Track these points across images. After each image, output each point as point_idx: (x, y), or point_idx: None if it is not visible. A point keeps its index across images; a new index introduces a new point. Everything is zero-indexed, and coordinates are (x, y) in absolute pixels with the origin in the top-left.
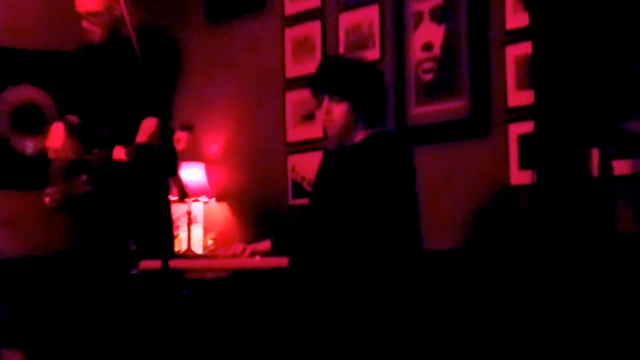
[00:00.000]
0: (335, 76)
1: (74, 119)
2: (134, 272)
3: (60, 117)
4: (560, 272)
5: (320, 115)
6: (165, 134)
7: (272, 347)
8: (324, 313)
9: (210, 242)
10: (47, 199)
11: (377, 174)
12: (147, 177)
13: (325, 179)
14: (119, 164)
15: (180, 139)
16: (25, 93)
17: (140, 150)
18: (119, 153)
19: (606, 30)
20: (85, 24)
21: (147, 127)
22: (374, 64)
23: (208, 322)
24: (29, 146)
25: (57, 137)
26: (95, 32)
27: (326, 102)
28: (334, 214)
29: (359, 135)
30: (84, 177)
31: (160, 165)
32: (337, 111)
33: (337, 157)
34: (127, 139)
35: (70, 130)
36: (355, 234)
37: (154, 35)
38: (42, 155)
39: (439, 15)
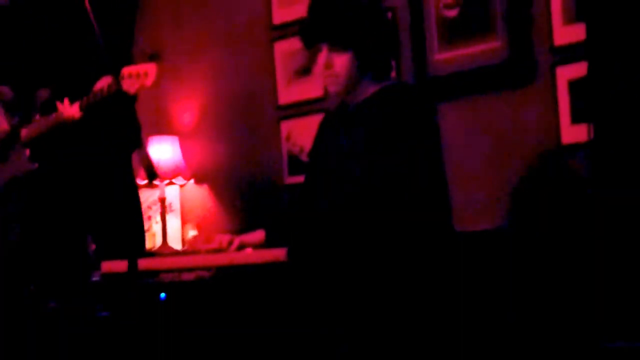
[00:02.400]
0: (334, 19)
1: (3, 89)
2: (95, 278)
3: None
4: (629, 249)
5: (318, 70)
6: (121, 97)
7: (266, 356)
8: (333, 316)
9: (191, 234)
10: None
11: (392, 137)
12: (108, 145)
13: (326, 146)
14: (69, 128)
15: (148, 72)
16: None
17: (98, 100)
18: (69, 109)
19: None
20: None
21: (103, 86)
22: (376, 1)
23: (192, 333)
24: None
25: None
26: None
27: (325, 53)
28: (340, 191)
29: (367, 91)
30: (27, 152)
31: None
32: (340, 63)
33: (340, 118)
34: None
35: (3, 98)
36: (368, 216)
37: None
38: None
39: None
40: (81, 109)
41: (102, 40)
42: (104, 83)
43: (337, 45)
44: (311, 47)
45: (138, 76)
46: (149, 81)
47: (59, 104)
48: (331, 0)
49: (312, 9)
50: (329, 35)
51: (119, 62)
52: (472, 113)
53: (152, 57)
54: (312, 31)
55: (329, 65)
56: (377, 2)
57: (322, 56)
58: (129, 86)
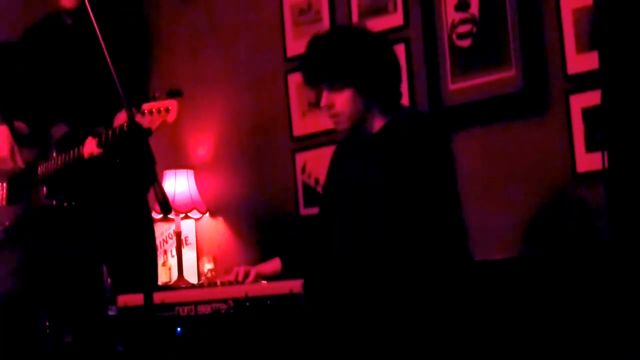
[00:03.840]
0: (328, 61)
1: (21, 125)
2: (111, 312)
3: (4, 122)
4: None
5: (323, 107)
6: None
7: None
8: (348, 349)
9: (207, 267)
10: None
11: (408, 166)
12: (124, 180)
13: (341, 176)
14: (87, 164)
15: (170, 108)
16: None
17: (118, 137)
18: (89, 146)
19: None
20: None
21: (123, 122)
22: (378, 34)
23: None
24: None
25: (2, 143)
26: None
27: (325, 93)
28: (355, 221)
29: (378, 122)
30: (44, 190)
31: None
32: (340, 101)
33: (353, 149)
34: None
35: (18, 134)
36: (383, 246)
37: (117, 10)
38: None
39: None
40: (100, 145)
41: (116, 74)
42: (122, 119)
43: (336, 84)
44: (313, 86)
45: (159, 112)
46: (171, 117)
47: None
48: (325, 40)
49: (308, 50)
50: (325, 75)
51: (135, 97)
52: (487, 142)
53: (173, 94)
54: (310, 72)
55: (330, 106)
56: (375, 35)
57: (323, 97)
58: (150, 122)
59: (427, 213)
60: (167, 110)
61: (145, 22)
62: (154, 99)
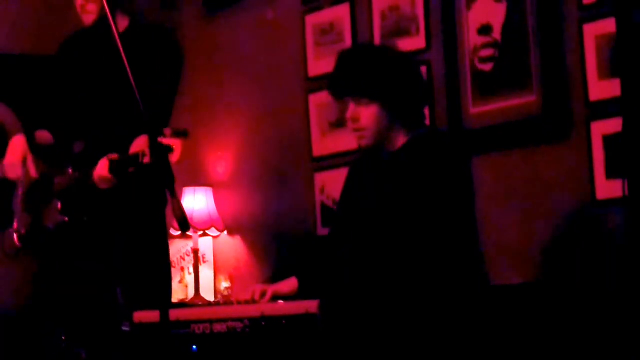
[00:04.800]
0: (357, 74)
1: (44, 134)
2: (125, 328)
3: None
4: None
5: (348, 122)
6: (158, 152)
7: None
8: None
9: (224, 285)
10: (16, 236)
11: (425, 187)
12: (138, 202)
13: (357, 194)
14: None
15: (174, 147)
16: None
17: (128, 162)
18: (102, 169)
19: None
20: (79, 1)
21: (139, 144)
22: (405, 53)
23: None
24: None
25: (15, 151)
26: (91, 11)
27: (351, 106)
28: (371, 241)
29: (400, 140)
30: (58, 204)
31: (152, 185)
32: (366, 116)
33: (372, 167)
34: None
35: (35, 145)
36: (399, 268)
37: (153, 34)
38: (6, 183)
39: None
40: (110, 170)
41: (142, 97)
42: (140, 145)
43: (363, 99)
44: (339, 100)
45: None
46: (175, 157)
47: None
48: (355, 54)
49: (337, 63)
50: (353, 89)
51: (157, 124)
52: (507, 167)
53: (179, 134)
54: (338, 85)
55: (355, 119)
56: (403, 54)
57: (349, 110)
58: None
59: (442, 237)
60: (172, 149)
61: (179, 51)
62: (162, 135)
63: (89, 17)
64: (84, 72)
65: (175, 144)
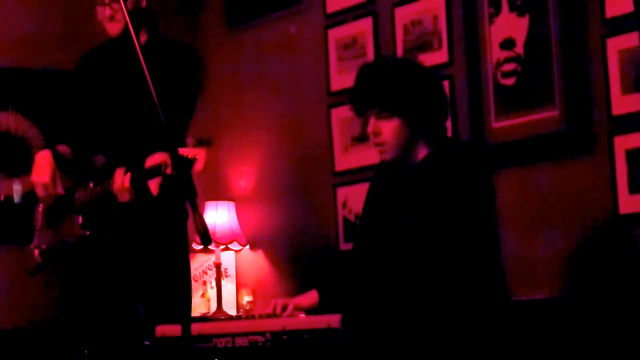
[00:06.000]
0: (379, 87)
1: (64, 149)
2: (146, 342)
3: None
4: None
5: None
6: (180, 165)
7: None
8: None
9: (246, 299)
10: (36, 253)
11: (447, 202)
12: (160, 215)
13: (379, 208)
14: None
15: (197, 156)
16: (3, 122)
17: (150, 174)
18: (120, 181)
19: None
20: (108, 11)
21: (158, 157)
22: (426, 66)
23: None
24: (16, 190)
25: (44, 168)
26: (116, 19)
27: (372, 121)
28: (393, 256)
29: (421, 153)
30: (79, 219)
31: (174, 200)
32: (388, 130)
33: (392, 181)
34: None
35: (60, 160)
36: (422, 282)
37: (172, 49)
38: (29, 197)
39: (521, 3)
40: (132, 183)
41: (163, 116)
42: (157, 160)
43: (384, 113)
44: (360, 114)
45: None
46: (198, 166)
47: (114, 178)
48: (376, 68)
49: (358, 77)
50: (374, 102)
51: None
52: (529, 181)
53: (202, 142)
54: (359, 99)
55: (376, 133)
56: (424, 67)
57: (370, 124)
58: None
59: (465, 253)
60: (195, 159)
61: (199, 66)
62: (185, 144)
63: (115, 26)
64: (104, 86)
65: (199, 153)
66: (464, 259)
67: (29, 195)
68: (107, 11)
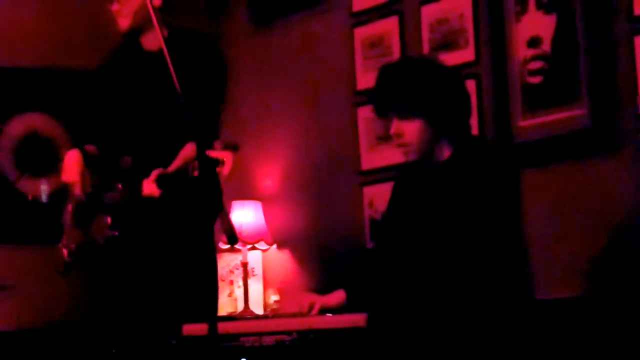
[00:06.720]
0: (399, 90)
1: (91, 148)
2: (172, 341)
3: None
4: None
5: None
6: (206, 164)
7: None
8: None
9: (273, 298)
10: (65, 252)
11: (472, 201)
12: (186, 215)
13: (403, 207)
14: (150, 200)
15: (225, 160)
16: (30, 123)
17: (173, 178)
18: (149, 187)
19: None
20: (115, 6)
21: (185, 155)
22: (447, 66)
23: None
24: (43, 190)
25: (73, 168)
26: (125, 14)
27: (395, 122)
28: (417, 256)
29: (445, 152)
30: (108, 219)
31: (200, 199)
32: (410, 131)
33: (416, 179)
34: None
35: (88, 159)
36: (447, 282)
37: (195, 43)
38: (56, 198)
39: (548, 1)
40: (158, 185)
41: (189, 115)
42: (184, 157)
43: (406, 114)
44: (382, 115)
45: (220, 164)
46: (225, 170)
47: (144, 183)
48: (396, 70)
49: (378, 79)
50: (395, 105)
51: (205, 136)
52: (556, 180)
53: (230, 147)
54: (379, 101)
55: (399, 135)
56: (445, 67)
57: (393, 125)
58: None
59: (487, 254)
60: (222, 162)
61: (222, 58)
62: (212, 148)
63: (124, 21)
64: (130, 85)
65: (226, 157)
66: (488, 259)
67: (56, 195)
68: (116, 7)
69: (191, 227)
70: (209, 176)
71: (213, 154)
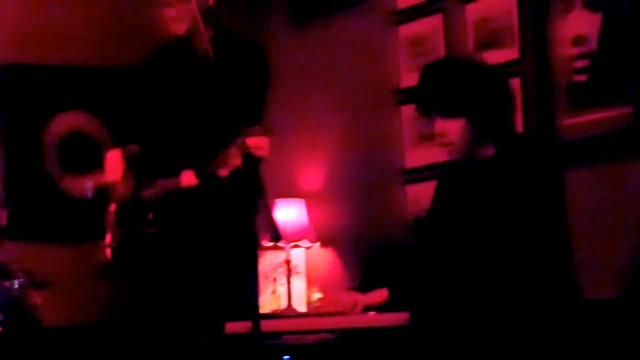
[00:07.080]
0: (442, 89)
1: (133, 147)
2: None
3: (117, 146)
4: None
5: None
6: (249, 163)
7: None
8: None
9: (316, 296)
10: (108, 251)
11: (515, 201)
12: (229, 212)
13: (447, 205)
14: (189, 195)
15: (262, 145)
16: (74, 121)
17: (215, 172)
18: (188, 178)
19: None
20: (173, 12)
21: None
22: (489, 65)
23: None
24: (88, 187)
25: (115, 167)
26: (183, 19)
27: (438, 121)
28: (460, 255)
29: (489, 151)
30: (150, 215)
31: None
32: (453, 130)
33: (461, 177)
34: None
35: (130, 158)
36: (492, 281)
37: (241, 46)
38: (97, 196)
39: None
40: (197, 177)
41: (233, 108)
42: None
43: (449, 113)
44: (425, 115)
45: (259, 148)
46: (264, 153)
47: (182, 176)
48: (439, 69)
49: (421, 78)
50: (438, 104)
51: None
52: (600, 179)
53: (265, 131)
54: (423, 100)
55: (442, 134)
56: (487, 66)
57: (436, 124)
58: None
59: (531, 253)
60: (260, 148)
61: (266, 62)
62: (253, 134)
63: (182, 26)
64: (171, 84)
65: (263, 141)
66: (532, 258)
67: (98, 194)
68: (173, 12)
69: (233, 224)
70: (251, 173)
71: (251, 140)
